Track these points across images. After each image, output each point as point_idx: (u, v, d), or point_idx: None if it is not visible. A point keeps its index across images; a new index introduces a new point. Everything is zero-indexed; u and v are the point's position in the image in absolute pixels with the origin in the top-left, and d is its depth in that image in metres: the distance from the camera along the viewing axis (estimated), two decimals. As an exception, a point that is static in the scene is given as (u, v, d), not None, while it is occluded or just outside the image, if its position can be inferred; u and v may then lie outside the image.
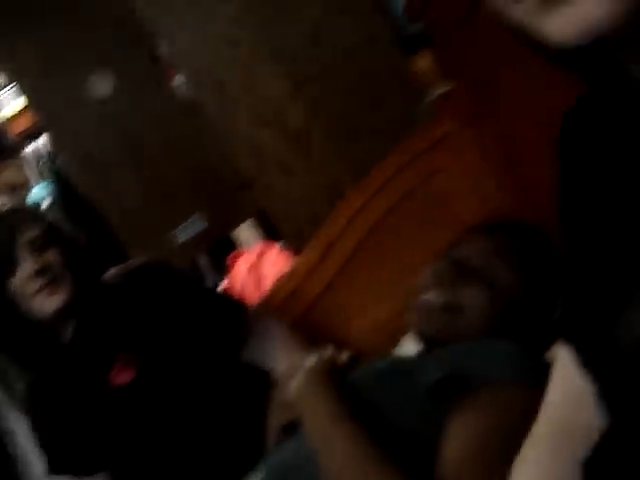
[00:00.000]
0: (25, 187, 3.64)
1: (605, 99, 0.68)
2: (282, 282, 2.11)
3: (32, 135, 3.77)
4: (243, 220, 3.40)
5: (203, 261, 3.62)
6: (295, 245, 2.23)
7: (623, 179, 0.65)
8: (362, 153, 2.14)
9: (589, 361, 0.74)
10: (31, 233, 1.69)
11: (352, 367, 1.53)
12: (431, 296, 1.49)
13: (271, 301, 2.07)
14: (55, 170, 3.62)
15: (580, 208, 0.72)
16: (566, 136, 0.74)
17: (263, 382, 1.81)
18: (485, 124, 1.84)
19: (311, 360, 1.52)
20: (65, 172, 3.52)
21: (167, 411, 1.75)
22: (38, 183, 3.62)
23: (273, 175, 2.18)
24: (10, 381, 2.97)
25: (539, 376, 1.22)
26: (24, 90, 3.25)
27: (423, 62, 1.95)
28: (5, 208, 1.79)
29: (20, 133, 3.82)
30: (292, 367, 1.58)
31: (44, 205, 3.49)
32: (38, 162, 3.66)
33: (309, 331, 1.92)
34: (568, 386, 0.87)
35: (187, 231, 3.24)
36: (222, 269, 3.35)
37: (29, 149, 3.69)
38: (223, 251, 3.40)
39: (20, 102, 3.54)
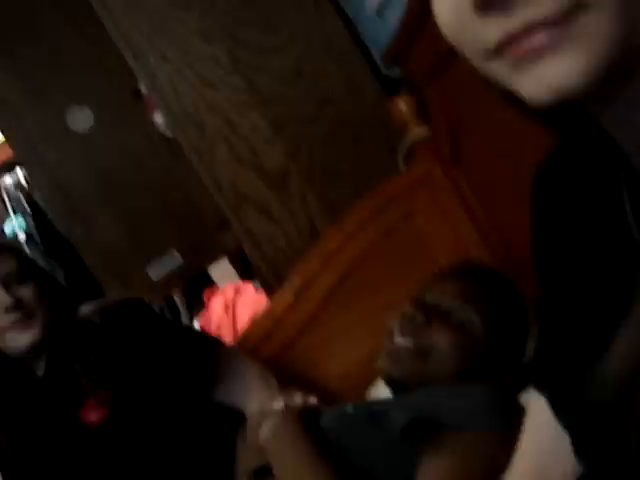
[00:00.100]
0: (0, 220, 3.62)
1: (577, 153, 0.69)
2: (257, 322, 2.11)
3: (8, 167, 3.75)
4: (219, 258, 3.40)
5: (178, 297, 3.61)
6: (271, 285, 2.23)
7: (593, 234, 0.66)
8: (340, 194, 2.16)
9: (561, 411, 0.74)
10: (5, 267, 1.67)
11: (321, 411, 1.52)
12: (401, 340, 1.50)
13: (245, 341, 2.07)
14: (31, 203, 3.61)
15: (551, 262, 0.73)
16: (538, 192, 0.75)
17: (234, 422, 1.80)
18: (462, 168, 1.86)
19: (281, 404, 1.51)
20: (41, 205, 3.50)
21: (138, 450, 1.73)
22: (14, 216, 3.60)
23: (250, 215, 2.18)
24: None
25: (509, 421, 1.23)
26: (1, 122, 3.24)
27: (403, 104, 1.97)
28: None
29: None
30: (262, 410, 1.57)
31: (20, 238, 3.47)
32: (14, 195, 3.64)
33: (283, 372, 1.92)
34: (543, 434, 0.87)
35: (163, 267, 3.23)
36: (197, 306, 3.34)
37: (5, 181, 3.67)
38: (198, 288, 3.40)
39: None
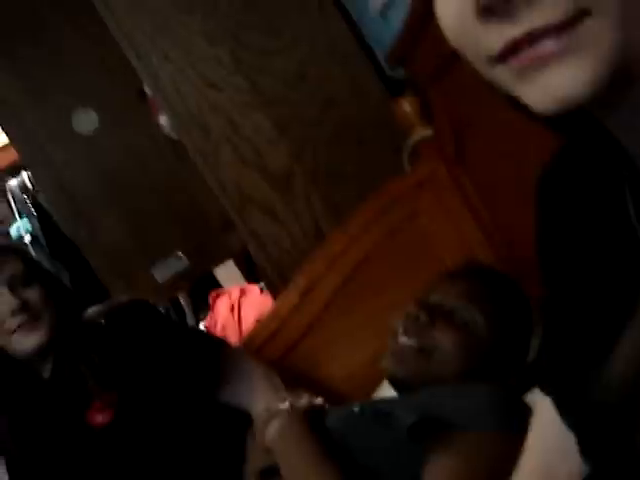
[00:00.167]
0: (6, 222, 3.63)
1: (582, 155, 0.69)
2: (262, 323, 2.11)
3: (14, 170, 3.76)
4: (224, 260, 3.40)
5: (183, 299, 3.61)
6: (276, 286, 2.23)
7: (597, 235, 0.66)
8: (345, 196, 2.16)
9: (566, 411, 0.74)
10: (12, 269, 1.67)
11: (327, 411, 1.53)
12: (405, 340, 1.51)
13: (250, 342, 2.07)
14: (36, 205, 3.61)
15: (556, 262, 0.73)
16: (543, 193, 0.75)
17: (241, 423, 1.80)
18: (466, 168, 1.86)
19: (287, 404, 1.51)
20: (46, 207, 3.51)
21: (144, 451, 1.73)
22: (20, 218, 3.61)
23: (254, 216, 2.18)
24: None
25: (515, 421, 1.23)
26: (6, 125, 3.24)
27: (407, 105, 1.97)
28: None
29: (2, 168, 3.81)
30: (269, 410, 1.57)
31: (25, 240, 3.48)
32: (20, 197, 3.65)
33: (288, 373, 1.92)
34: (549, 433, 0.87)
35: (168, 269, 3.24)
36: (202, 307, 3.34)
37: (11, 184, 3.68)
38: (204, 289, 3.40)
39: (3, 137, 3.53)
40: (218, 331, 3.03)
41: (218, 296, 3.26)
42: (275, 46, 2.20)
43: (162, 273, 3.20)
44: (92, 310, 1.88)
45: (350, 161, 2.20)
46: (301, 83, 2.20)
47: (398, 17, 1.89)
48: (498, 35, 0.50)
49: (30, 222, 3.58)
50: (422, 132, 1.95)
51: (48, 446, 1.73)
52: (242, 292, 3.17)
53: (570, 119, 0.60)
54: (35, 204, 3.62)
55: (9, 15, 3.06)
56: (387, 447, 1.31)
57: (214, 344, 1.95)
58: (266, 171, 2.17)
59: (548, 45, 0.48)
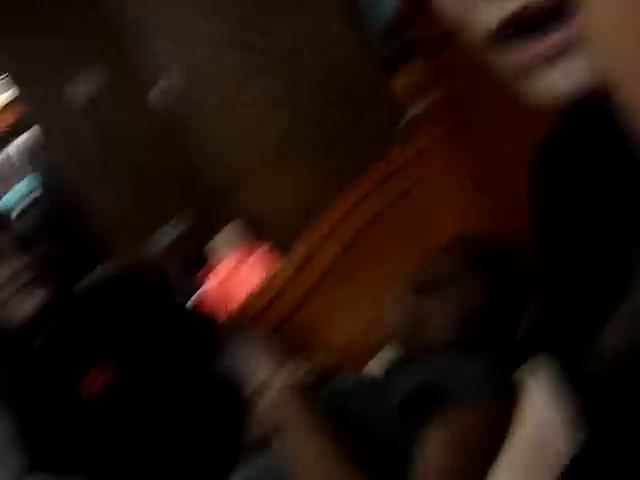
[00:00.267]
0: (11, 180, 3.62)
1: (584, 125, 0.69)
2: (261, 291, 2.12)
3: (17, 130, 3.75)
4: (223, 225, 3.40)
5: (180, 265, 3.61)
6: (275, 254, 2.23)
7: (599, 207, 0.66)
8: (344, 166, 2.15)
9: (568, 373, 0.75)
10: (9, 235, 1.67)
11: (326, 379, 1.54)
12: (401, 309, 1.52)
13: (249, 309, 2.07)
14: (39, 166, 3.61)
15: (557, 233, 0.73)
16: (543, 164, 0.75)
17: (238, 392, 1.81)
18: (466, 138, 1.86)
19: (287, 372, 1.52)
20: (49, 169, 3.50)
21: (138, 421, 1.75)
22: (22, 178, 3.60)
23: (253, 185, 2.17)
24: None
25: (508, 391, 1.24)
26: (12, 84, 3.24)
27: (404, 79, 1.96)
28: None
29: (5, 128, 3.79)
30: (268, 377, 1.58)
31: (25, 204, 3.48)
32: (23, 157, 3.64)
33: (286, 341, 1.93)
34: (540, 411, 0.88)
35: (168, 233, 3.24)
36: (202, 271, 3.35)
37: (14, 144, 3.67)
38: (204, 254, 3.40)
39: (7, 96, 3.52)
40: (217, 295, 3.04)
41: (218, 260, 3.27)
42: (270, 23, 2.17)
43: (162, 238, 3.21)
44: (87, 278, 1.88)
45: (348, 132, 2.19)
46: (300, 53, 2.18)
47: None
48: (497, 9, 0.49)
49: (32, 182, 3.58)
50: (422, 102, 1.94)
51: (46, 412, 1.74)
52: (241, 257, 3.18)
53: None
54: (39, 164, 3.62)
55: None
56: (382, 418, 1.32)
57: (211, 311, 1.96)
58: (265, 140, 2.16)
59: (549, 42, 0.47)
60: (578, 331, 0.67)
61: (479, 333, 1.48)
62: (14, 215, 2.78)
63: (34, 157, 3.61)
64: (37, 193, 3.55)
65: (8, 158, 3.68)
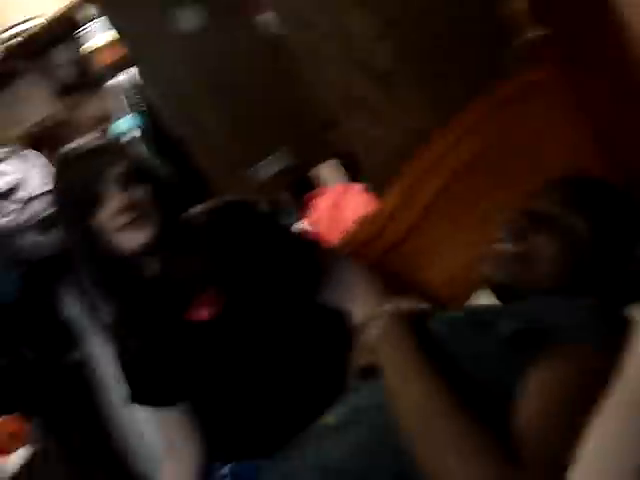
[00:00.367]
0: (110, 120, 3.68)
1: None
2: (363, 224, 2.11)
3: (118, 68, 3.78)
4: (325, 159, 3.39)
5: (284, 198, 3.63)
6: (379, 187, 2.21)
7: None
8: (451, 96, 2.10)
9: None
10: (118, 169, 1.69)
11: (430, 314, 1.53)
12: (503, 246, 1.51)
13: (350, 243, 2.08)
14: (142, 103, 3.65)
15: None
16: None
17: (341, 323, 1.83)
18: (575, 73, 1.79)
19: (391, 306, 1.52)
20: (151, 105, 3.54)
21: (247, 347, 1.78)
22: (124, 116, 3.65)
23: (357, 116, 2.15)
24: (97, 305, 3.06)
25: (616, 337, 1.22)
26: (114, 20, 3.26)
27: (516, 3, 1.89)
28: (91, 143, 1.78)
29: (106, 65, 3.83)
30: (372, 311, 1.59)
31: (131, 138, 3.53)
32: (124, 95, 3.68)
33: (386, 276, 1.92)
34: None
35: (269, 168, 3.25)
36: (303, 207, 3.36)
37: (115, 81, 3.71)
38: (304, 189, 3.41)
39: (108, 34, 3.56)
40: (320, 229, 3.05)
41: (320, 194, 3.27)
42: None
43: (264, 171, 3.22)
44: (196, 209, 1.90)
45: (457, 60, 2.13)
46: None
47: None
48: None
49: (135, 119, 3.63)
50: (534, 31, 1.87)
51: (153, 340, 1.80)
52: (344, 190, 3.17)
53: None
54: (144, 100, 3.66)
55: None
56: (487, 354, 1.31)
57: (315, 247, 1.96)
58: (371, 70, 2.12)
59: None
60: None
61: (587, 272, 1.45)
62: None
63: (135, 95, 3.65)
64: (139, 130, 3.60)
65: (109, 96, 3.74)
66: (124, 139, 3.44)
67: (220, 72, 3.21)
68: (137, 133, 3.57)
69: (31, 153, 3.42)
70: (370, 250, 2.01)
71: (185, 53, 3.16)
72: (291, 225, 3.10)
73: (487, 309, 1.59)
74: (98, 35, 3.54)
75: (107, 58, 3.65)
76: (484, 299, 1.71)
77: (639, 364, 0.88)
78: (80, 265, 1.85)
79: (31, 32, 3.56)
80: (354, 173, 3.12)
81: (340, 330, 1.81)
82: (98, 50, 3.61)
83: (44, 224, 3.10)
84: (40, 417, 2.97)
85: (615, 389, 0.93)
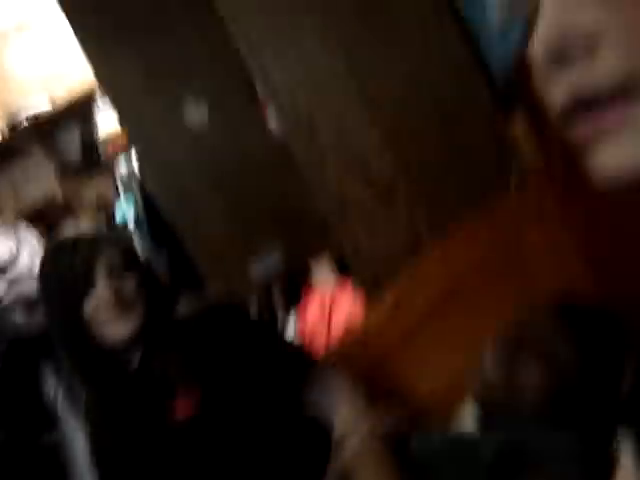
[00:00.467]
0: (109, 205, 3.71)
1: None
2: (352, 332, 2.11)
3: (121, 154, 3.84)
4: (319, 255, 3.40)
5: (276, 292, 3.62)
6: (368, 292, 2.21)
7: None
8: (448, 210, 2.12)
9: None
10: (111, 258, 1.69)
11: (410, 434, 1.51)
12: (491, 369, 1.50)
13: (339, 350, 2.06)
14: (140, 190, 3.68)
15: None
16: None
17: (321, 434, 1.80)
18: (574, 196, 1.81)
19: (370, 425, 1.50)
20: (149, 194, 3.57)
21: (224, 449, 1.75)
22: (122, 201, 3.68)
23: (354, 223, 2.16)
24: (75, 390, 3.02)
25: (602, 463, 1.20)
26: (117, 106, 3.30)
27: (519, 124, 1.92)
28: (83, 234, 1.80)
29: (109, 151, 3.89)
30: (350, 425, 1.56)
31: (126, 224, 3.56)
32: (124, 181, 3.73)
33: (373, 386, 1.90)
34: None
35: (264, 266, 3.26)
36: (294, 301, 3.35)
37: (117, 168, 3.76)
38: (297, 283, 3.41)
39: (113, 121, 3.62)
40: (307, 329, 3.03)
41: (310, 292, 3.27)
42: (388, 53, 2.17)
43: (258, 270, 3.23)
44: (185, 306, 1.90)
45: (455, 175, 2.16)
46: (412, 91, 2.17)
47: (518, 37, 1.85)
48: (560, 88, 0.47)
49: (135, 206, 3.66)
50: (532, 153, 1.90)
51: (130, 436, 1.76)
52: (335, 292, 3.16)
53: None
54: (142, 188, 3.69)
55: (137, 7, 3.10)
56: (469, 476, 1.29)
57: (302, 355, 1.95)
58: (369, 180, 2.15)
59: (605, 118, 0.45)
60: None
61: (572, 400, 1.43)
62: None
63: (135, 181, 3.69)
64: (138, 217, 3.63)
65: (112, 181, 3.78)
66: (119, 225, 3.45)
67: (221, 169, 3.24)
68: (133, 219, 3.59)
69: (25, 231, 3.43)
70: (357, 359, 2.00)
71: (187, 147, 3.21)
72: (279, 326, 3.09)
73: (470, 437, 1.57)
74: (104, 122, 3.61)
75: (111, 144, 3.71)
76: (469, 412, 1.69)
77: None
78: (59, 349, 1.83)
79: (39, 114, 3.62)
80: (347, 271, 3.12)
81: (320, 441, 1.78)
82: (103, 136, 3.67)
83: (29, 305, 3.09)
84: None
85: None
